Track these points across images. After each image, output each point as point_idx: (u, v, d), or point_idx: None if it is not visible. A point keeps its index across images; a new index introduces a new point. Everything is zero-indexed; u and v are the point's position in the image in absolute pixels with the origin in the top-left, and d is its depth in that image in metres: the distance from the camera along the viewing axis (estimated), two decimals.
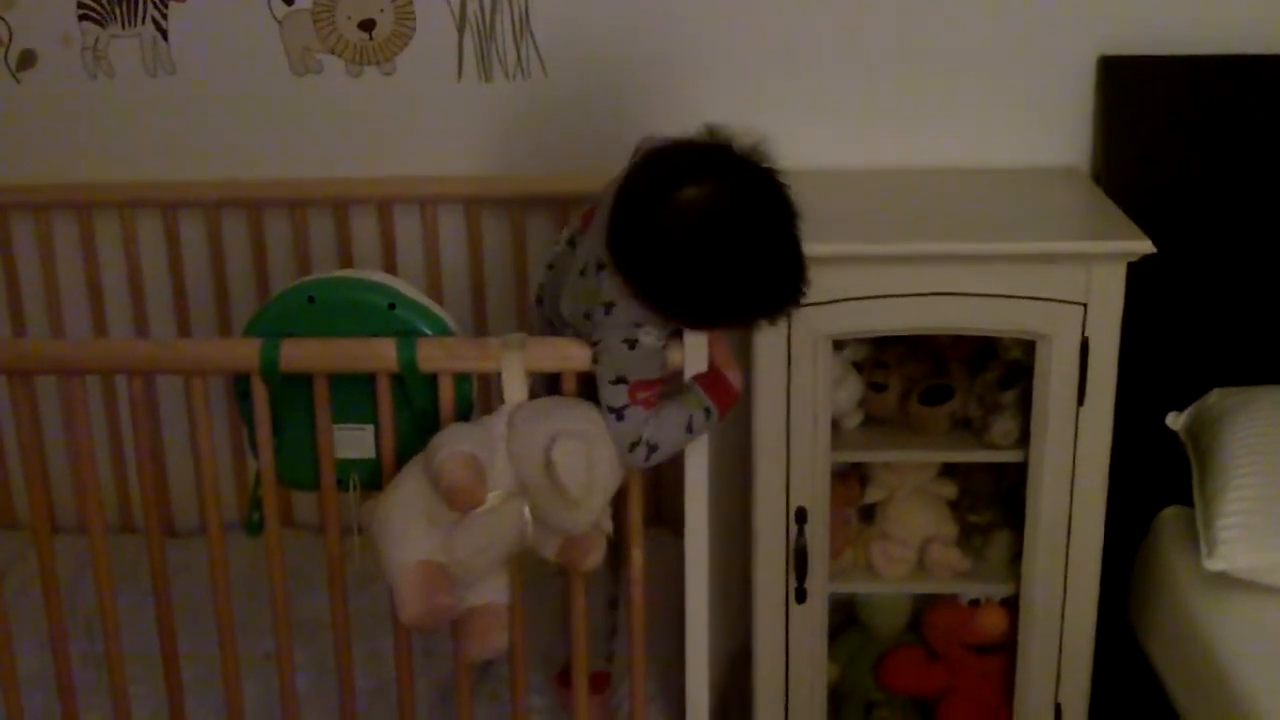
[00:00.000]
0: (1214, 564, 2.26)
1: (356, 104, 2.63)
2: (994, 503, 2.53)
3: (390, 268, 2.63)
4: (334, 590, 1.99)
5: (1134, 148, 2.56)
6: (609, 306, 1.83)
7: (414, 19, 2.58)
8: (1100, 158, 2.61)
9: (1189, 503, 2.47)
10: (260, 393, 1.91)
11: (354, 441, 1.95)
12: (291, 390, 1.92)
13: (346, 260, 2.64)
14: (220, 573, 1.99)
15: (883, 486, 2.52)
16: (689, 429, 1.89)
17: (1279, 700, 2.07)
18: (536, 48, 2.59)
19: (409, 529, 1.79)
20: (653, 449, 1.88)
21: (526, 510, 1.83)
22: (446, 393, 1.91)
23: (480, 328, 2.62)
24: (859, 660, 2.58)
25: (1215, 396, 2.53)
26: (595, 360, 1.86)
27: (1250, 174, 2.55)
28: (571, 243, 1.96)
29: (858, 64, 2.61)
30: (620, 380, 1.85)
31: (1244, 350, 2.59)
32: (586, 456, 1.77)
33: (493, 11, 2.56)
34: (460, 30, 2.59)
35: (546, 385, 1.97)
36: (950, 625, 2.54)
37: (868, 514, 2.55)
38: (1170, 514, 2.53)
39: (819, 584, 2.42)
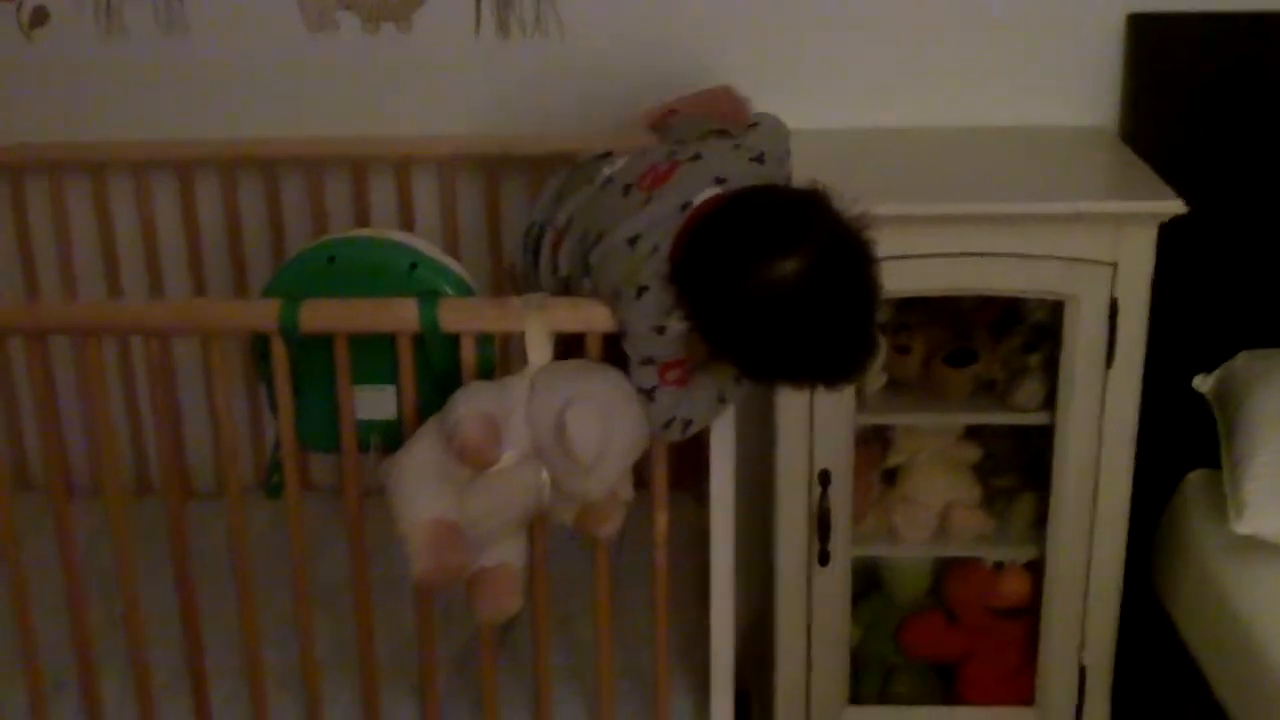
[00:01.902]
0: (1242, 527, 2.24)
1: (373, 62, 2.59)
2: (1017, 466, 2.50)
3: (407, 228, 2.60)
4: (355, 553, 1.96)
5: (1162, 106, 2.52)
6: (642, 290, 1.78)
7: None
8: (1128, 117, 2.57)
9: (1216, 466, 2.44)
10: (280, 354, 1.88)
11: (375, 403, 1.92)
12: (311, 352, 1.90)
13: (363, 220, 2.61)
14: (239, 537, 1.97)
15: (905, 450, 2.50)
16: (721, 399, 1.86)
17: None
18: (555, 4, 2.55)
19: (422, 487, 1.77)
20: (687, 424, 1.85)
21: (545, 474, 1.81)
22: (468, 353, 1.88)
23: (499, 290, 2.58)
24: (880, 624, 2.56)
25: (1243, 359, 2.50)
26: (623, 338, 1.82)
27: (1271, 136, 2.51)
28: (609, 182, 1.90)
29: (884, 24, 2.57)
30: (648, 361, 1.81)
31: (1273, 312, 2.55)
32: (601, 422, 1.74)
33: None
34: None
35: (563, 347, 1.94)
36: (972, 589, 2.52)
37: (889, 478, 2.52)
38: (1196, 477, 2.51)
39: (842, 547, 2.40)
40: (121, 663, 2.09)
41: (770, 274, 1.69)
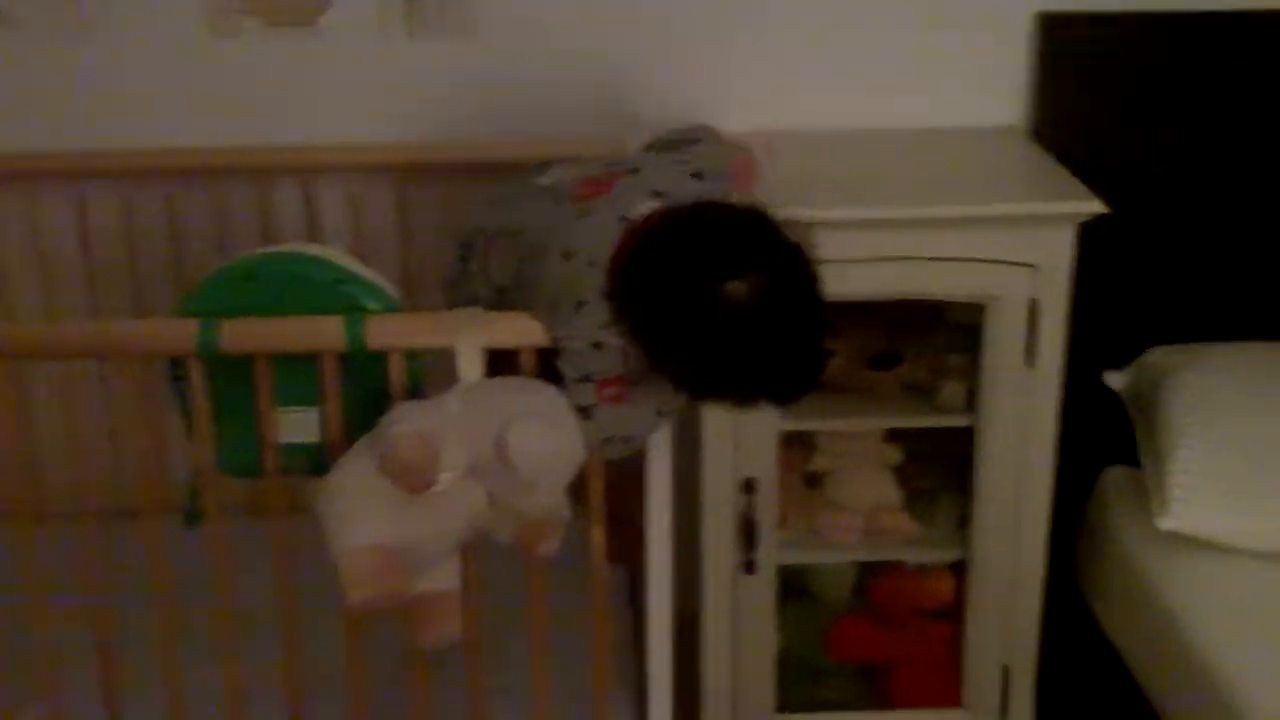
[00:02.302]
0: (1166, 523, 2.26)
1: (278, 67, 2.52)
2: (940, 468, 2.50)
3: (315, 239, 2.53)
4: (280, 586, 1.90)
5: (1071, 105, 2.54)
6: (579, 305, 1.75)
7: None
8: (1037, 116, 2.58)
9: (1132, 463, 2.46)
10: (199, 376, 1.81)
11: (298, 425, 1.86)
12: (230, 373, 1.83)
13: (269, 233, 2.53)
14: (159, 568, 1.90)
15: (828, 454, 2.49)
16: (659, 414, 1.83)
17: (1235, 656, 2.07)
18: (467, 2, 2.50)
19: (357, 510, 1.72)
20: (626, 441, 1.83)
21: (482, 494, 1.77)
22: (396, 371, 1.83)
23: (414, 303, 2.53)
24: (805, 629, 2.55)
25: (1155, 355, 2.53)
26: (558, 355, 1.79)
27: (1187, 130, 2.54)
28: (544, 192, 1.86)
29: (791, 27, 2.56)
30: (585, 378, 1.78)
31: (1185, 308, 2.59)
32: (544, 439, 1.71)
33: None
34: None
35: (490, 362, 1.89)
36: (899, 591, 2.52)
37: (812, 482, 2.51)
38: (1115, 474, 2.53)
39: (768, 555, 2.39)
40: (39, 687, 2.01)
41: (723, 296, 1.67)
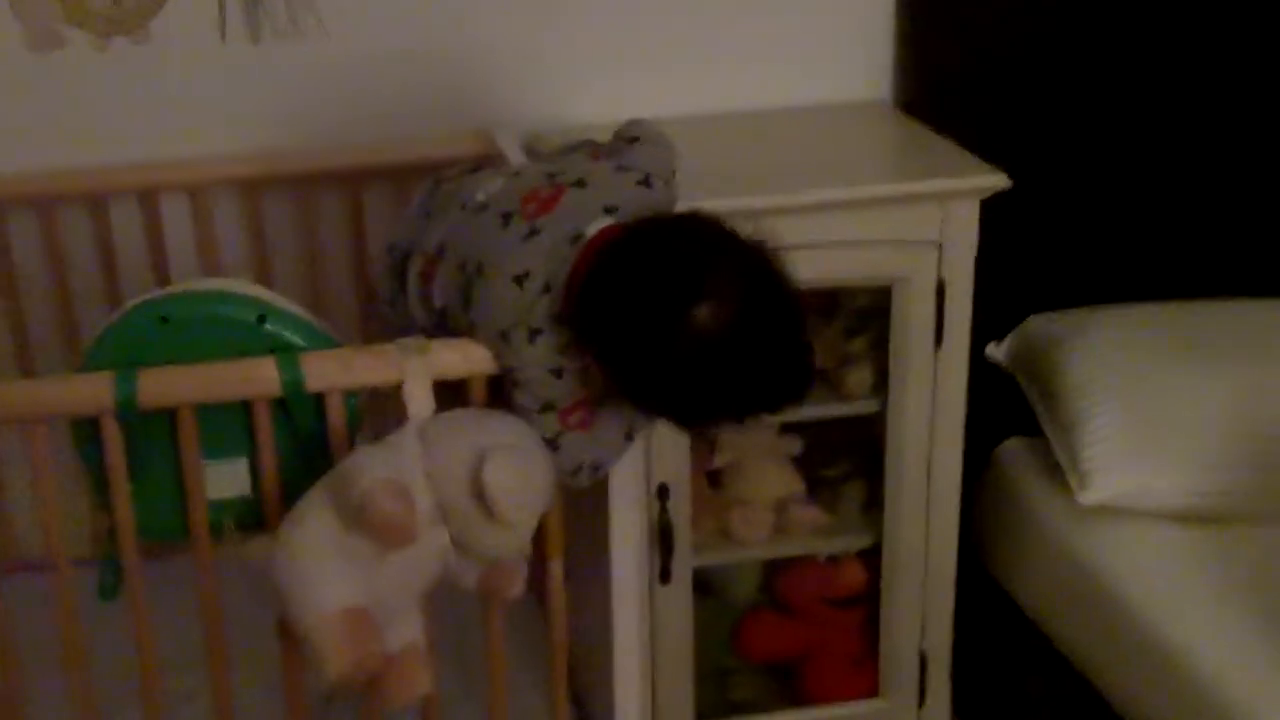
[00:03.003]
0: (1088, 496, 2.25)
1: (109, 80, 2.30)
2: (842, 454, 2.46)
3: (160, 266, 2.34)
4: (213, 660, 1.73)
5: (935, 77, 2.51)
6: (534, 334, 1.62)
7: None
8: (903, 90, 2.54)
9: (1024, 433, 2.46)
10: (113, 435, 1.62)
11: (225, 479, 1.69)
12: (144, 427, 1.64)
13: (107, 265, 2.31)
14: (73, 652, 1.70)
15: (729, 450, 2.41)
16: (629, 437, 1.72)
17: (1176, 617, 2.08)
18: (312, 2, 2.32)
19: (322, 572, 1.55)
20: (596, 468, 1.71)
21: (446, 538, 1.63)
22: (336, 412, 1.67)
23: None
24: (713, 629, 2.48)
25: (1035, 323, 2.53)
26: (514, 386, 1.66)
27: (1055, 98, 2.53)
28: (484, 208, 1.72)
29: (653, 8, 2.46)
30: (548, 407, 1.66)
31: (1051, 277, 2.58)
32: (520, 473, 1.58)
33: None
34: None
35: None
36: (808, 583, 2.46)
37: (714, 480, 2.43)
38: (1013, 447, 2.52)
39: (683, 562, 2.30)
40: None
41: (702, 321, 1.55)
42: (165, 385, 1.61)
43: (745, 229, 1.65)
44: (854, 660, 2.47)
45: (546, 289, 1.63)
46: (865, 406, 2.33)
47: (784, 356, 1.61)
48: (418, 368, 1.64)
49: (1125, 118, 2.56)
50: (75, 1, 2.24)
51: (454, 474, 1.58)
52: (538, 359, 1.63)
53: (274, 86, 2.35)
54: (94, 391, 1.59)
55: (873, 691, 2.46)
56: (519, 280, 1.63)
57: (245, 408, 1.66)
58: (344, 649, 1.52)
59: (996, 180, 2.18)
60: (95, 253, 2.32)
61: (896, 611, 2.40)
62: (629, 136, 1.80)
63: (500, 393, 1.68)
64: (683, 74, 2.49)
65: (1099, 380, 2.33)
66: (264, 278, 2.36)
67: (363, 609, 1.55)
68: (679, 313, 1.55)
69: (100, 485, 1.68)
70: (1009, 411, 2.51)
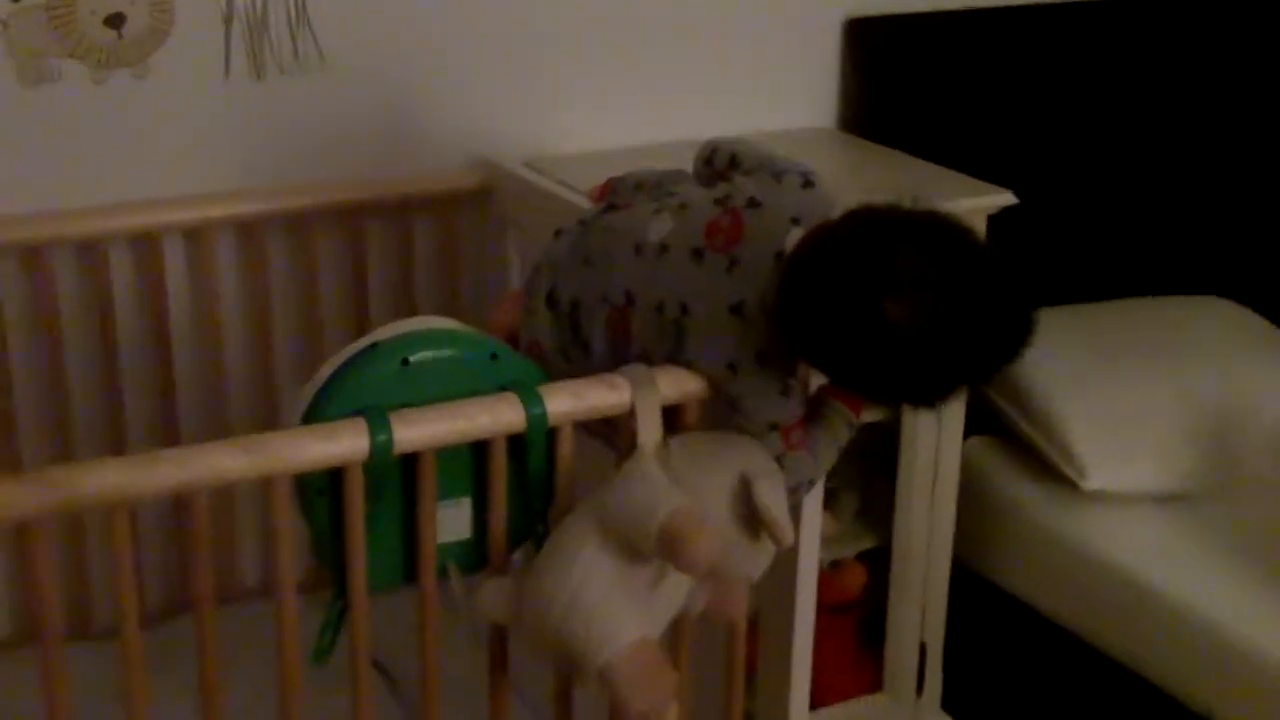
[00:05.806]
0: (1091, 484, 2.43)
1: (106, 118, 2.15)
2: (839, 466, 2.54)
3: (159, 308, 2.21)
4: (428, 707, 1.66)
5: (884, 107, 2.64)
6: (761, 356, 1.65)
7: (171, 10, 2.15)
8: (849, 118, 2.66)
9: (988, 432, 2.62)
10: (357, 483, 1.53)
11: (450, 521, 1.63)
12: (378, 473, 1.56)
13: (107, 311, 2.16)
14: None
15: None
16: (839, 448, 1.76)
17: (1168, 580, 2.29)
18: (315, 38, 2.25)
19: (610, 609, 1.53)
20: (810, 484, 1.75)
21: None
22: (566, 446, 1.64)
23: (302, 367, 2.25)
24: None
25: None
26: (738, 410, 1.68)
27: (998, 125, 2.70)
28: (662, 249, 1.72)
29: (609, 45, 2.49)
30: (773, 427, 1.68)
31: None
32: (778, 491, 1.61)
33: None
34: (228, 21, 2.19)
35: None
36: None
37: None
38: (979, 445, 2.66)
39: None
40: None
41: (907, 307, 1.56)
42: (416, 429, 1.54)
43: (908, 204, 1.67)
44: (850, 661, 2.56)
45: (763, 311, 1.65)
46: (870, 416, 2.42)
47: (996, 309, 1.60)
48: (647, 396, 1.63)
49: (1071, 141, 2.76)
50: (77, 33, 2.09)
51: (715, 498, 1.59)
52: (769, 380, 1.65)
53: (276, 122, 2.26)
54: (352, 438, 1.51)
55: (874, 687, 2.55)
56: (735, 309, 1.65)
57: (471, 448, 1.61)
58: (644, 680, 1.51)
59: (1004, 199, 2.33)
60: (92, 295, 2.17)
61: (902, 610, 2.51)
62: (729, 153, 1.82)
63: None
64: (638, 105, 2.53)
65: (1064, 378, 2.51)
66: (263, 322, 2.27)
67: (651, 640, 1.54)
68: (876, 304, 1.55)
69: (322, 540, 1.59)
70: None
